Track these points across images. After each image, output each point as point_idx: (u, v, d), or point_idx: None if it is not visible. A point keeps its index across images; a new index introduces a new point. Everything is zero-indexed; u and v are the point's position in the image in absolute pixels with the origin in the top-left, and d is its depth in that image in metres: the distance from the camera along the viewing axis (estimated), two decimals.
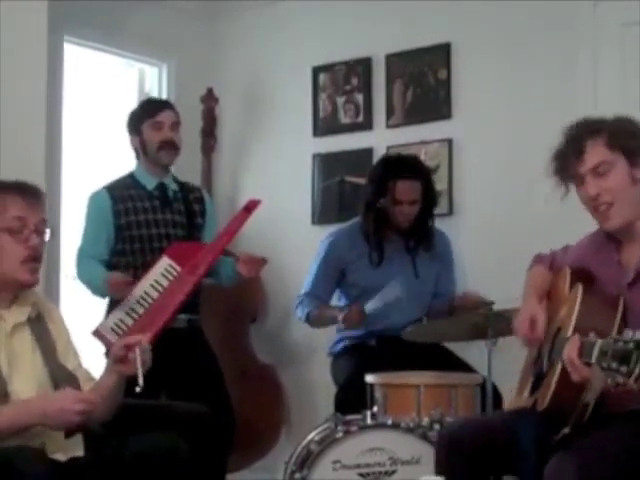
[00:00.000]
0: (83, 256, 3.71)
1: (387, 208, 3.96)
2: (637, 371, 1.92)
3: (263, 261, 3.68)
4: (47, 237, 2.65)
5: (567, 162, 2.49)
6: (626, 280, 2.44)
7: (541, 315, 2.59)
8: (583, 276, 2.54)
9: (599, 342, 2.08)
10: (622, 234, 2.51)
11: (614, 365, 1.99)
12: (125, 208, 3.71)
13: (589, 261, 2.60)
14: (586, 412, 2.32)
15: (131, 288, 3.47)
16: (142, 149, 3.78)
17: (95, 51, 4.71)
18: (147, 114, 3.79)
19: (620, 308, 2.37)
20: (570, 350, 2.21)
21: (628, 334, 2.00)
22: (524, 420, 2.45)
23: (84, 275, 3.70)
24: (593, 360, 2.08)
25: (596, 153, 2.45)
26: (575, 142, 2.47)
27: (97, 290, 3.66)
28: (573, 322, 2.37)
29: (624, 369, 1.95)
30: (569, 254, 2.72)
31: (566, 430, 2.32)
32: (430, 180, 4.07)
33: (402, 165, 4.03)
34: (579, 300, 2.41)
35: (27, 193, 2.61)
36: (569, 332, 2.36)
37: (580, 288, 2.44)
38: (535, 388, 2.56)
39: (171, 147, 3.77)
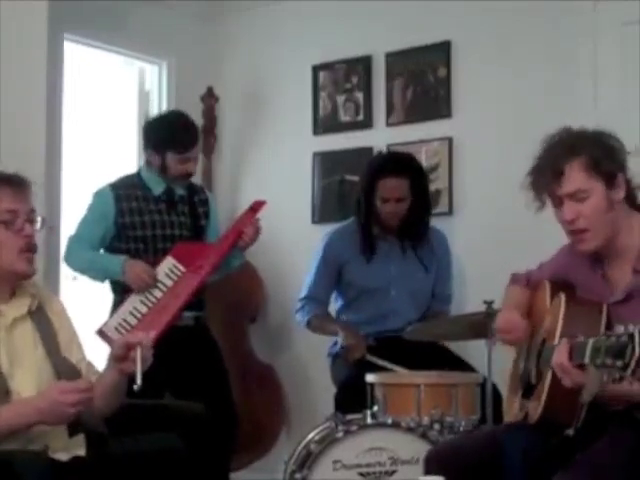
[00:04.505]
0: (81, 240, 3.69)
1: (376, 206, 3.96)
2: (633, 364, 1.89)
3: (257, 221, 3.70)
4: (38, 226, 2.65)
5: (544, 180, 2.45)
6: (614, 298, 2.41)
7: (517, 317, 2.60)
8: (564, 286, 2.52)
9: (591, 340, 2.07)
10: (602, 250, 2.47)
11: (609, 361, 1.96)
12: (129, 207, 3.72)
13: (570, 273, 2.57)
14: (582, 412, 2.31)
15: (152, 278, 3.49)
16: (160, 168, 3.77)
17: (95, 49, 4.70)
18: (177, 148, 3.75)
19: (604, 313, 2.36)
20: (559, 355, 2.20)
21: (620, 329, 1.98)
22: (511, 436, 2.45)
23: (84, 258, 3.69)
24: (586, 359, 2.06)
25: (574, 179, 2.39)
26: (553, 162, 2.42)
27: (110, 273, 3.63)
28: (559, 329, 2.36)
29: (620, 363, 1.92)
30: (545, 270, 2.71)
31: (570, 432, 2.31)
32: (420, 178, 4.01)
33: (387, 163, 4.01)
34: (563, 308, 2.40)
35: (15, 184, 2.60)
36: (556, 340, 2.35)
37: (563, 297, 2.43)
38: (525, 398, 2.55)
39: (189, 176, 3.82)
